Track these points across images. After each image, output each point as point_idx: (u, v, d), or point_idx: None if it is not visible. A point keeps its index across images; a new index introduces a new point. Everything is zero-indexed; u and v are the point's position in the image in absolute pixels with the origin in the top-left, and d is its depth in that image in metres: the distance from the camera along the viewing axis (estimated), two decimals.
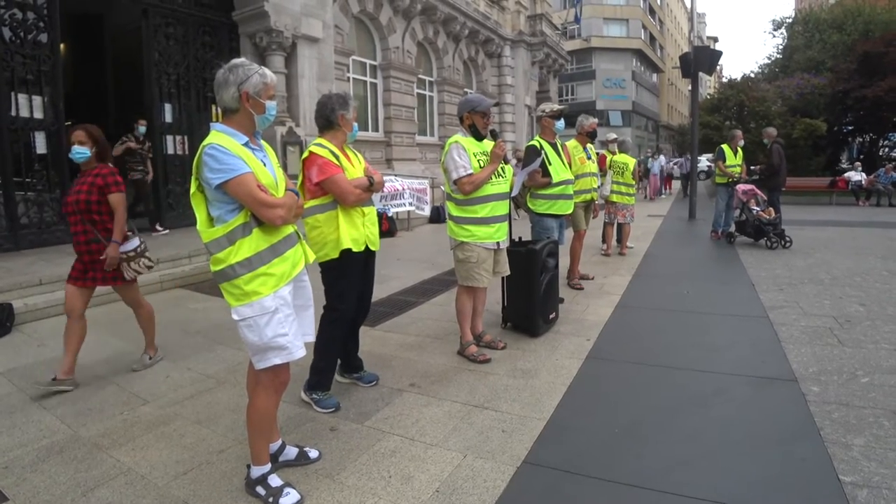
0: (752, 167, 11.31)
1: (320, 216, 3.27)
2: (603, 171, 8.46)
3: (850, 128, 23.77)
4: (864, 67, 20.17)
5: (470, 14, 18.69)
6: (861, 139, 25.02)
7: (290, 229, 2.50)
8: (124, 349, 4.59)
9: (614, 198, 8.52)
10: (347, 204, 3.24)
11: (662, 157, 23.06)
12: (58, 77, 8.10)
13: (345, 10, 13.66)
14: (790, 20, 31.75)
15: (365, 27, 15.33)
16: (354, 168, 3.38)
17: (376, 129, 15.61)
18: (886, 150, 25.28)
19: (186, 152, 9.87)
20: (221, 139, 2.29)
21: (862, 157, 23.87)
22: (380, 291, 6.23)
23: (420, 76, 17.44)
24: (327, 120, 3.38)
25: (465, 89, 20.19)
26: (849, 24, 25.36)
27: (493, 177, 4.02)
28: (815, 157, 22.39)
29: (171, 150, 9.78)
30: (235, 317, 2.36)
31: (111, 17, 14.44)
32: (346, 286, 3.40)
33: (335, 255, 3.27)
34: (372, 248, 3.48)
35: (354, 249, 3.30)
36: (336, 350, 3.52)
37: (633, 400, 3.49)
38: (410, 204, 11.79)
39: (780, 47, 31.46)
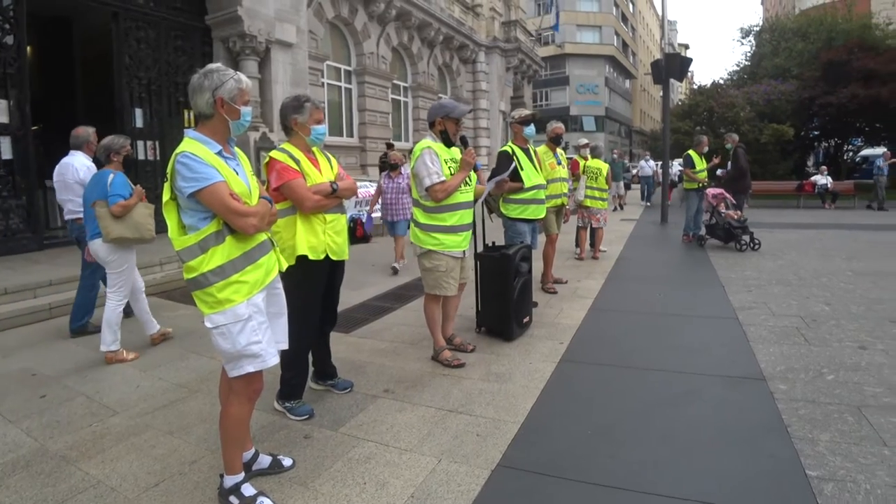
0: (716, 172, 11.54)
1: (280, 221, 3.18)
2: (576, 176, 8.55)
3: (816, 133, 24.39)
4: (828, 75, 20.73)
5: (444, 20, 18.77)
6: (827, 144, 25.68)
7: (263, 236, 2.49)
8: (94, 359, 4.50)
9: (588, 202, 8.61)
10: (305, 210, 3.20)
11: (643, 162, 21.60)
12: (24, 80, 7.94)
13: (319, 16, 13.63)
14: (758, 28, 32.44)
15: (340, 32, 15.31)
16: (321, 173, 3.33)
17: (351, 135, 15.58)
18: (851, 154, 25.96)
19: (158, 158, 9.72)
20: (194, 147, 2.28)
21: (828, 161, 24.46)
22: (354, 297, 6.25)
23: (395, 82, 17.48)
24: (284, 126, 3.36)
25: (440, 94, 20.24)
26: (812, 33, 26.03)
27: (461, 185, 4.00)
28: (783, 161, 22.88)
29: (142, 156, 9.61)
30: (208, 325, 2.34)
31: (80, 20, 14.19)
32: (305, 295, 3.32)
33: (292, 261, 3.19)
34: (334, 258, 3.38)
35: (311, 257, 3.23)
36: (304, 359, 3.48)
37: (606, 402, 3.54)
38: None
39: (749, 55, 32.07)
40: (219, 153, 2.34)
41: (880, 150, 26.53)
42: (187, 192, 2.21)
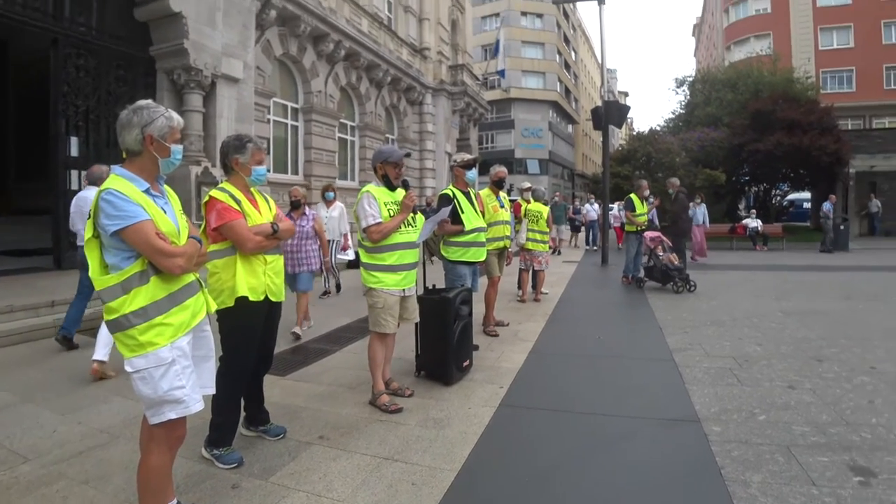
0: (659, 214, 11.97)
1: (219, 262, 3.17)
2: (518, 218, 8.68)
3: (746, 178, 25.65)
4: (755, 123, 22.01)
5: (393, 62, 19.07)
6: (756, 188, 27.02)
7: (190, 277, 2.42)
8: (8, 402, 4.21)
9: (529, 245, 8.68)
10: (246, 251, 3.17)
11: (588, 205, 20.14)
12: None
13: (267, 52, 13.62)
14: (691, 79, 34.23)
15: (288, 70, 15.32)
16: (260, 214, 3.32)
17: (296, 172, 15.45)
18: (778, 198, 27.42)
19: None
20: (120, 184, 2.22)
21: (757, 205, 25.73)
22: (292, 339, 6.11)
23: (342, 121, 17.52)
24: (224, 164, 3.36)
25: (387, 135, 20.42)
26: (741, 84, 27.73)
27: (402, 226, 4.12)
28: (717, 204, 23.97)
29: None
30: (129, 369, 2.25)
31: (17, 44, 13.79)
32: (243, 337, 3.26)
33: (231, 302, 3.16)
34: (273, 299, 3.38)
35: (251, 298, 3.20)
36: (235, 404, 3.37)
37: (545, 446, 3.52)
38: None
39: (683, 103, 33.67)
40: (146, 191, 2.28)
41: (805, 194, 28.27)
42: (110, 231, 2.14)
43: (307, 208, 6.82)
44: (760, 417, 3.87)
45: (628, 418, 3.92)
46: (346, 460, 3.29)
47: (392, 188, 4.23)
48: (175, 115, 2.41)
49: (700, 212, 15.71)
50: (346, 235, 9.35)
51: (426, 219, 4.47)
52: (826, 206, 18.11)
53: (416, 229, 4.27)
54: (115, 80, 9.88)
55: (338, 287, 9.73)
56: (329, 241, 8.55)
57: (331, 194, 9.25)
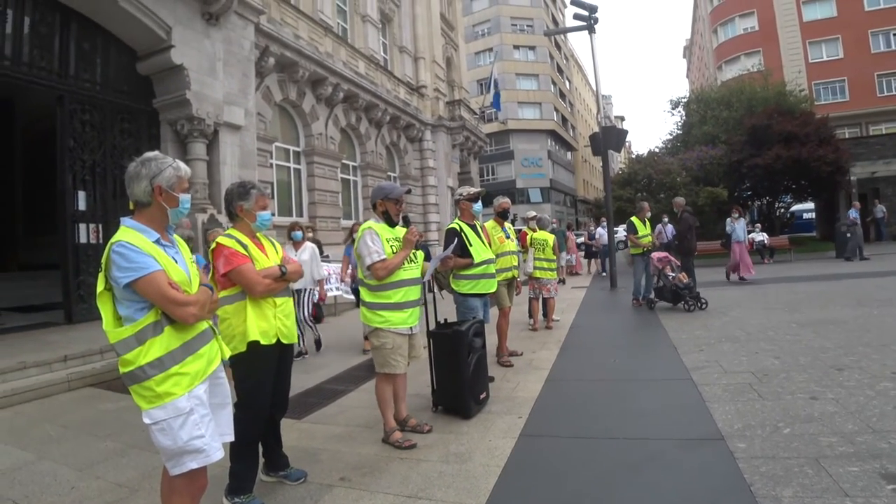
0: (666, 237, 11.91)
1: (229, 308, 3.18)
2: (524, 248, 8.68)
3: (748, 193, 25.63)
4: (752, 139, 22.09)
5: (391, 101, 19.37)
6: (759, 202, 26.97)
7: (204, 325, 2.42)
8: (25, 460, 4.17)
9: (537, 273, 8.68)
10: (255, 295, 3.18)
11: (601, 230, 18.77)
12: None
13: (267, 99, 13.87)
14: (685, 100, 34.45)
15: (288, 114, 15.57)
16: (268, 257, 3.35)
17: (300, 214, 15.57)
18: (782, 210, 27.34)
19: (101, 241, 9.44)
20: (131, 236, 2.24)
21: (762, 218, 25.65)
22: (307, 381, 6.08)
23: (343, 161, 17.72)
24: (229, 211, 3.40)
25: (389, 173, 20.63)
26: (735, 101, 27.92)
27: (405, 262, 4.08)
28: (721, 221, 23.90)
29: (84, 240, 9.34)
30: (147, 420, 2.23)
31: (23, 102, 14.10)
32: (257, 381, 3.26)
33: (243, 347, 3.15)
34: (285, 342, 3.37)
35: (263, 342, 3.20)
36: (254, 449, 3.34)
37: (568, 474, 3.47)
38: (337, 288, 11.51)
39: (679, 124, 33.75)
40: (156, 241, 2.30)
41: (808, 205, 28.20)
42: (123, 283, 2.15)
43: None
44: (785, 431, 3.81)
45: (651, 440, 3.86)
46: (370, 501, 3.24)
47: (392, 224, 4.20)
48: (182, 165, 2.45)
49: (740, 227, 14.38)
50: (321, 281, 7.99)
51: (426, 255, 4.46)
52: (852, 213, 17.92)
53: (417, 265, 4.25)
54: (119, 133, 10.05)
55: (318, 343, 8.04)
56: (300, 290, 7.50)
57: (298, 234, 7.76)
